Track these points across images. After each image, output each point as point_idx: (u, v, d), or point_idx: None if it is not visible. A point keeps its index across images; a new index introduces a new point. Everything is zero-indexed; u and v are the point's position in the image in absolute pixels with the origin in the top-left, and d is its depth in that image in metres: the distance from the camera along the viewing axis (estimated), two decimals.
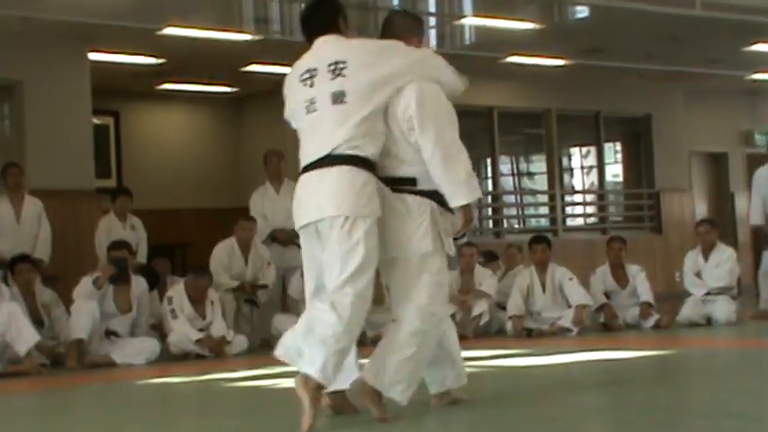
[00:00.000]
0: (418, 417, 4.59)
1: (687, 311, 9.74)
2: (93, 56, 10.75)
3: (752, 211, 10.66)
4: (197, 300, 8.70)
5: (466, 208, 4.55)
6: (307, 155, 4.51)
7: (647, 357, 7.05)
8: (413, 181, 4.51)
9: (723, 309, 9.65)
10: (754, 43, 12.57)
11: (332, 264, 4.42)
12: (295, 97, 4.58)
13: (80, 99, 10.51)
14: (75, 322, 8.18)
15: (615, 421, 4.50)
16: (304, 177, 4.50)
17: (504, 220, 14.36)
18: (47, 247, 9.16)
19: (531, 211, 15.18)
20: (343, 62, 4.42)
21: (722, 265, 9.89)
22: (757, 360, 6.63)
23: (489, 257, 10.66)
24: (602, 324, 9.67)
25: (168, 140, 14.19)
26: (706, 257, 9.97)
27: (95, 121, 11.30)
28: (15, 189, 9.16)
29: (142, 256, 9.75)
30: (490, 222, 14.02)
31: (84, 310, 8.20)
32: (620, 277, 9.85)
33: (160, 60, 11.81)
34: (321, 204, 4.41)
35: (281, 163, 9.95)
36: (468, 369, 6.24)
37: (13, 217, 9.11)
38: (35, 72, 10.24)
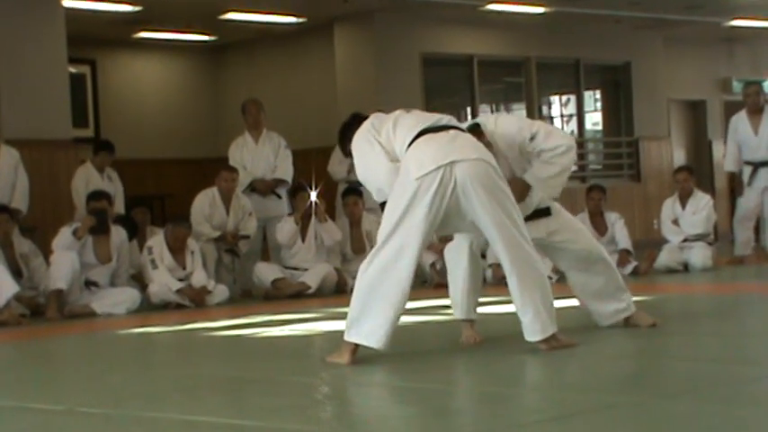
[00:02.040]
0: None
1: (664, 258, 9.82)
2: (67, 3, 10.62)
3: (727, 158, 10.72)
4: (177, 249, 8.69)
5: None
6: (422, 124, 4.83)
7: None
8: None
9: (700, 255, 9.73)
10: None
11: (504, 207, 4.70)
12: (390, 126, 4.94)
13: (55, 47, 10.39)
14: (54, 273, 8.16)
15: (593, 365, 4.55)
16: (430, 135, 4.78)
17: None
18: (25, 198, 9.10)
19: None
20: None
21: (699, 212, 9.97)
22: (733, 304, 6.71)
23: None
24: None
25: (146, 89, 14.10)
26: (683, 205, 10.03)
27: (71, 69, 11.19)
28: None
29: (120, 207, 9.72)
30: None
31: (64, 261, 8.18)
32: (599, 225, 9.89)
33: (137, 8, 11.69)
34: (469, 152, 4.72)
35: (260, 113, 9.90)
36: (448, 317, 6.30)
37: None
38: (8, 20, 10.11)
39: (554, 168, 5.11)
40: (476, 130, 5.11)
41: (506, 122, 5.22)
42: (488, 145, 5.01)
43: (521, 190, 5.10)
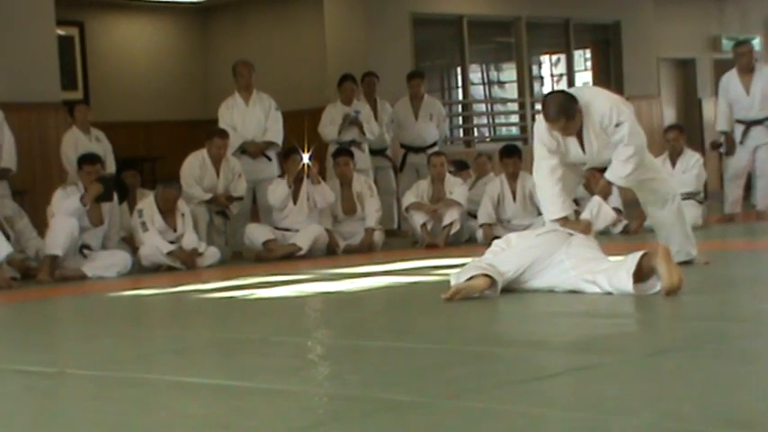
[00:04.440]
0: None
1: None
2: None
3: (718, 117, 10.71)
4: (167, 212, 8.68)
5: None
6: None
7: None
8: None
9: (689, 213, 9.70)
10: None
11: None
12: None
13: (43, 9, 10.30)
14: (51, 239, 8.08)
15: (579, 325, 4.58)
16: None
17: (475, 129, 14.36)
18: (13, 156, 9.01)
19: (501, 119, 15.17)
20: None
21: (689, 170, 9.97)
22: (722, 262, 6.74)
23: (460, 166, 10.68)
24: None
25: (136, 51, 14.02)
26: (673, 163, 10.03)
27: (59, 32, 11.12)
28: None
29: (111, 167, 9.71)
30: (460, 131, 14.02)
31: (65, 228, 8.11)
32: (590, 184, 9.88)
33: None
34: None
35: (251, 74, 9.84)
36: (440, 277, 6.33)
37: None
38: None
39: (629, 168, 5.93)
40: (572, 99, 5.77)
41: (601, 99, 5.94)
42: (579, 113, 5.75)
43: (604, 187, 6.08)
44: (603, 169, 6.12)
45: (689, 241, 6.36)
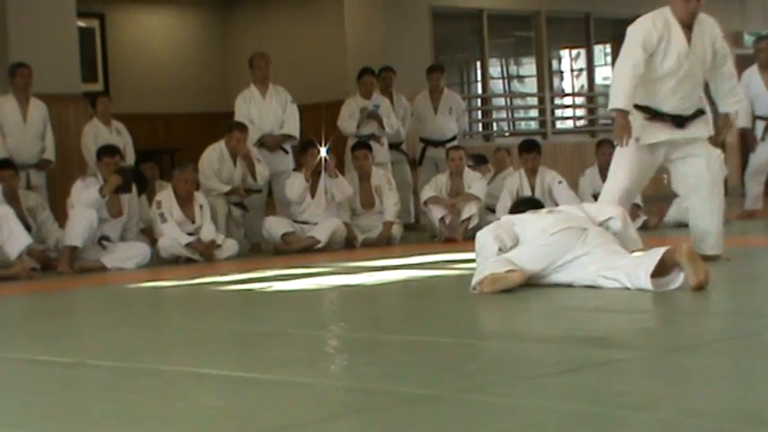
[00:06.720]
0: None
1: (674, 212, 9.80)
2: None
3: (739, 113, 10.63)
4: (185, 200, 8.70)
5: None
6: None
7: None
8: None
9: None
10: None
11: None
12: None
13: (64, 1, 10.35)
14: (71, 230, 8.13)
15: (600, 320, 4.56)
16: None
17: (494, 124, 14.34)
18: (53, 149, 9.29)
19: (520, 114, 15.14)
20: None
21: None
22: (742, 258, 6.71)
23: (478, 161, 10.67)
24: None
25: (155, 44, 14.06)
26: None
27: (80, 23, 11.16)
28: (24, 89, 9.22)
29: (130, 159, 9.74)
30: (480, 126, 13.99)
31: (84, 219, 8.15)
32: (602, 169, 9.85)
33: None
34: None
35: (268, 66, 9.84)
36: (458, 271, 6.33)
37: (19, 117, 9.18)
38: None
39: (737, 95, 6.40)
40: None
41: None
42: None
43: (727, 124, 6.39)
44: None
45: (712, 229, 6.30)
